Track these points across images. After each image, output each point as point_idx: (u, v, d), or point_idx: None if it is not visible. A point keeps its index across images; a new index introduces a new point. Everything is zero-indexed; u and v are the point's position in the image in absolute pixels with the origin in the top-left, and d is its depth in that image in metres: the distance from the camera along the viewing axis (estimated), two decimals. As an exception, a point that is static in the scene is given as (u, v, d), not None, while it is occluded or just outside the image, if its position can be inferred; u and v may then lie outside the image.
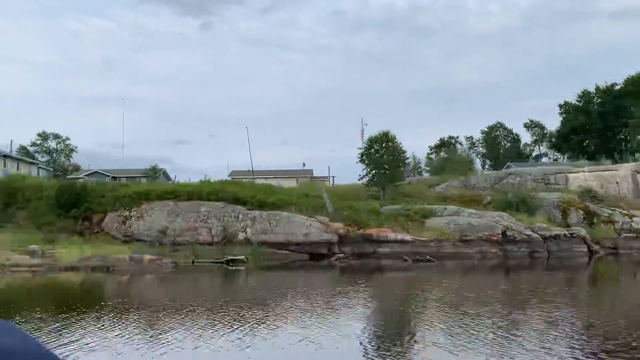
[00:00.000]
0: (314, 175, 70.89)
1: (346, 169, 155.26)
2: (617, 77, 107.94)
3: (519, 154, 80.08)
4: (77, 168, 73.47)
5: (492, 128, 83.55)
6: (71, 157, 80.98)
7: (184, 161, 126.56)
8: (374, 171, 35.19)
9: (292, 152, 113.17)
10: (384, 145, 35.85)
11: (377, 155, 35.01)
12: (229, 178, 63.07)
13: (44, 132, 78.58)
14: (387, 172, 34.58)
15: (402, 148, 35.77)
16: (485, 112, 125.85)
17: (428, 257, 26.82)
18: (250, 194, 32.10)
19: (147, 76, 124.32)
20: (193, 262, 26.65)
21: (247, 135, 79.85)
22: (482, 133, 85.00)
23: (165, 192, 33.12)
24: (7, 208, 34.13)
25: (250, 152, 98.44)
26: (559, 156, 77.70)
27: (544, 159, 78.76)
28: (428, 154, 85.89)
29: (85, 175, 58.36)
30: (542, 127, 79.86)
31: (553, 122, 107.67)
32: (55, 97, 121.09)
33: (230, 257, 26.45)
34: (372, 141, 35.93)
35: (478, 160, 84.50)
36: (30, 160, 49.48)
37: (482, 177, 42.16)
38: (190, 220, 31.09)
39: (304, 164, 73.17)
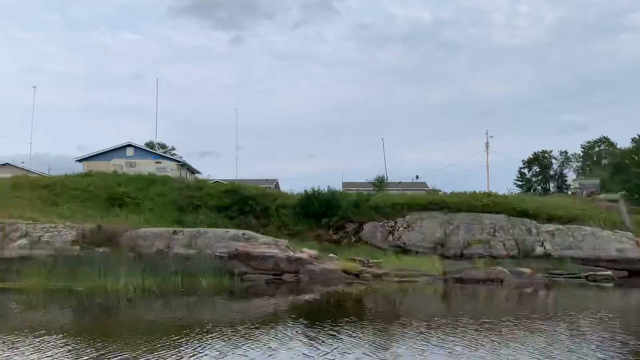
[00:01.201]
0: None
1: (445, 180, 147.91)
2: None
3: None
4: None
5: (594, 143, 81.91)
6: (176, 165, 78.39)
7: (213, 173, 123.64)
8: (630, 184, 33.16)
9: (319, 164, 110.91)
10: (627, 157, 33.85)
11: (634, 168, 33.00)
12: (342, 189, 60.60)
13: (150, 142, 75.84)
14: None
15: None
16: (517, 126, 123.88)
17: None
18: (534, 206, 29.86)
19: (174, 88, 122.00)
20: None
21: (383, 146, 76.59)
22: (582, 148, 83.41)
23: (430, 203, 30.78)
24: (240, 215, 31.84)
25: (385, 163, 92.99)
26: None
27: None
28: (520, 168, 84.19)
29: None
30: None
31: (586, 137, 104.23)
32: (83, 108, 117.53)
33: (591, 273, 24.43)
34: (622, 155, 33.95)
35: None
36: (192, 169, 46.99)
37: None
38: (474, 232, 28.72)
39: (417, 177, 70.71)
